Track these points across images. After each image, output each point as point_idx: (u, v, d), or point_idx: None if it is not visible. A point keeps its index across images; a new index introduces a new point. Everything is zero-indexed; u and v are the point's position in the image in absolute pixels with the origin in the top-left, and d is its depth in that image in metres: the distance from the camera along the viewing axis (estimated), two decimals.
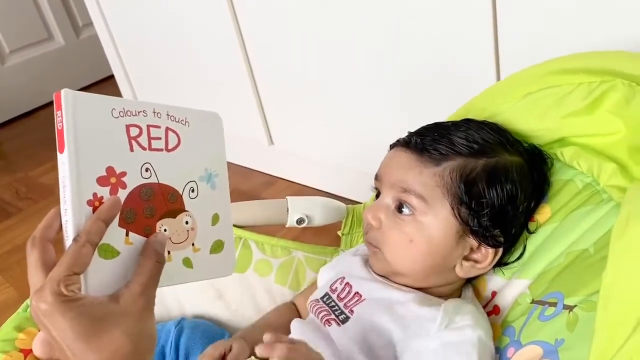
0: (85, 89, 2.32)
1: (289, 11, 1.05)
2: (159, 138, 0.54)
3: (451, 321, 0.55)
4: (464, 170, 0.58)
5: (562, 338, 0.49)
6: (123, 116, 0.52)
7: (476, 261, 0.60)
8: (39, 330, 0.70)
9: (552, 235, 0.59)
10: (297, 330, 0.63)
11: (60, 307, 0.42)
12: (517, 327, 0.56)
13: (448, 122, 0.66)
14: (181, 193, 0.54)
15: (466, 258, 0.60)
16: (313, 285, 0.75)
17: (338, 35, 1.00)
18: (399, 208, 0.60)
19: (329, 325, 0.59)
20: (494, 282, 0.63)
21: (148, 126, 0.53)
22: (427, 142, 0.60)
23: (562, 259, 0.56)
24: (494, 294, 0.63)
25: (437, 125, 0.64)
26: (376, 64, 0.97)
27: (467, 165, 0.58)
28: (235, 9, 1.15)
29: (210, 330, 0.73)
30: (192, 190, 0.55)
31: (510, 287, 0.61)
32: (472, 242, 0.59)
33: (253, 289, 0.76)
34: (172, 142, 0.55)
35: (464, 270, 0.60)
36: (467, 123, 0.63)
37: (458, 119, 0.66)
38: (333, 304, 0.62)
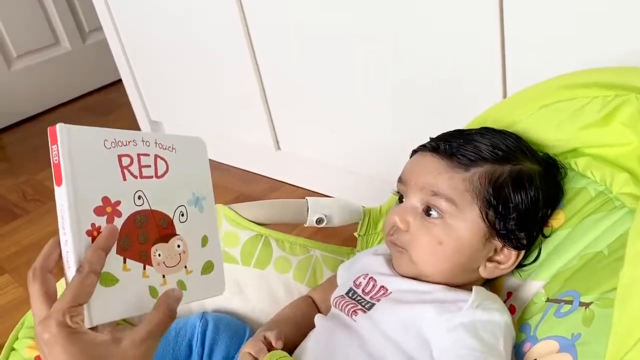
0: (90, 94, 2.35)
1: (297, 16, 1.08)
2: (149, 166, 0.57)
3: (482, 303, 0.58)
4: (493, 175, 0.61)
5: (578, 333, 0.52)
6: (115, 147, 0.55)
7: (499, 262, 0.63)
8: None
9: (567, 239, 0.62)
10: (323, 326, 0.65)
11: (64, 339, 0.44)
12: (533, 324, 0.59)
13: (469, 129, 0.69)
14: (172, 218, 0.57)
15: (490, 259, 0.63)
16: (329, 281, 0.78)
17: (346, 41, 1.03)
18: (427, 211, 0.62)
19: (356, 315, 0.62)
20: (510, 283, 0.66)
21: (138, 155, 0.56)
22: (454, 147, 0.63)
23: (576, 261, 0.59)
24: (509, 294, 0.66)
25: (460, 132, 0.67)
26: (383, 71, 1.00)
27: (495, 171, 0.62)
28: (245, 14, 1.18)
29: (233, 323, 0.75)
30: (182, 215, 0.58)
31: (526, 287, 0.64)
32: (497, 244, 0.62)
33: (272, 285, 0.79)
34: (161, 169, 0.58)
35: (487, 271, 0.63)
36: (488, 131, 0.67)
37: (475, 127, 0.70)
38: (359, 297, 0.65)
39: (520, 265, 0.65)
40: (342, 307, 0.64)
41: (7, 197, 1.68)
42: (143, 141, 0.57)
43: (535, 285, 0.63)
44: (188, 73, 1.46)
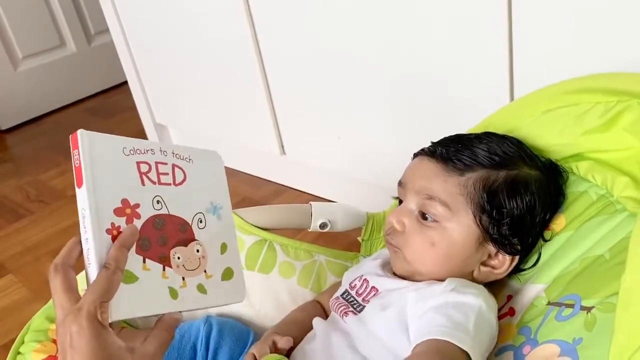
0: (95, 95, 2.36)
1: (305, 23, 1.08)
2: (167, 174, 0.59)
3: (456, 288, 0.59)
4: (487, 181, 0.62)
5: (580, 337, 0.53)
6: (133, 154, 0.57)
7: (493, 267, 0.64)
8: None
9: (567, 242, 0.63)
10: (318, 328, 0.67)
11: (91, 333, 0.46)
12: (534, 327, 0.59)
13: (470, 134, 0.70)
14: (190, 223, 0.59)
15: (484, 264, 0.64)
16: (336, 285, 0.78)
17: (352, 48, 1.03)
18: (423, 214, 0.64)
19: (346, 316, 0.63)
20: (510, 286, 0.67)
21: (156, 163, 0.59)
22: (451, 152, 0.64)
23: (577, 264, 0.60)
24: (509, 297, 0.66)
25: (459, 137, 0.69)
26: (389, 77, 1.01)
27: (490, 177, 0.62)
28: (254, 19, 1.18)
29: (237, 327, 0.75)
30: (200, 221, 0.60)
31: (526, 290, 0.64)
32: (491, 249, 0.63)
33: (276, 290, 0.79)
34: (179, 177, 0.60)
35: (482, 275, 0.64)
36: (489, 136, 0.68)
37: (478, 132, 0.71)
38: (352, 299, 0.66)
39: (519, 270, 0.65)
40: (335, 308, 0.66)
41: (11, 197, 1.69)
42: (161, 151, 0.60)
43: (535, 288, 0.63)
44: (194, 77, 1.46)
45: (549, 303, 0.59)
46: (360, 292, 0.66)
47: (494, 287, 0.68)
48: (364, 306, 0.64)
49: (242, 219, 0.79)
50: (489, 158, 0.63)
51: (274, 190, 1.46)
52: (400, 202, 0.68)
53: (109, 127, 2.05)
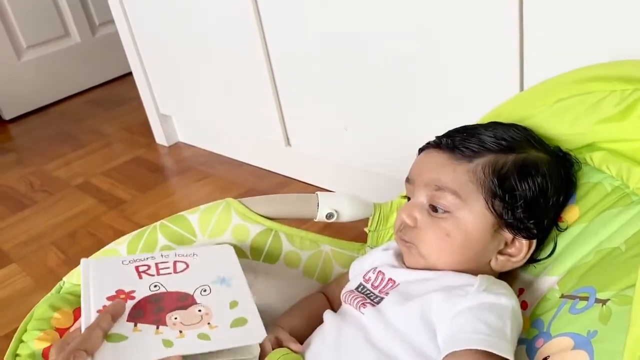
0: (99, 86, 2.35)
1: (311, 12, 1.07)
2: (167, 267, 0.63)
3: (488, 287, 0.58)
4: (496, 165, 0.61)
5: (595, 330, 0.51)
6: (132, 263, 0.63)
7: (511, 255, 0.63)
8: (73, 311, 0.71)
9: (581, 234, 0.61)
10: (330, 321, 0.65)
11: None
12: (546, 320, 0.58)
13: (475, 124, 0.69)
14: (192, 294, 0.60)
15: (501, 252, 0.63)
16: (342, 276, 0.77)
17: (359, 38, 1.02)
18: (434, 206, 0.62)
19: (364, 307, 0.61)
20: (522, 279, 0.66)
21: (156, 264, 0.63)
22: (457, 141, 0.63)
23: (592, 256, 0.58)
24: (521, 290, 0.65)
25: (464, 127, 0.68)
26: (396, 67, 0.99)
27: (499, 161, 0.61)
28: (259, 8, 1.17)
29: None
30: (204, 290, 0.61)
31: (539, 283, 0.63)
32: (507, 235, 0.62)
33: (282, 280, 0.78)
34: (180, 267, 0.63)
35: (499, 264, 0.63)
36: (494, 124, 0.67)
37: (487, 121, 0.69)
38: (368, 291, 0.64)
39: (534, 260, 0.64)
40: (350, 301, 0.64)
41: (15, 187, 1.69)
42: (162, 255, 0.64)
43: (548, 280, 0.62)
44: (199, 67, 1.45)
45: (562, 296, 0.58)
46: (376, 284, 0.65)
47: (507, 279, 0.66)
48: (382, 297, 0.62)
49: (247, 208, 0.77)
50: (497, 143, 0.62)
51: (278, 181, 1.45)
52: (408, 199, 0.67)
53: (112, 118, 2.05)
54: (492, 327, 0.54)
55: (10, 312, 1.15)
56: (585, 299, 0.55)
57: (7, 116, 2.15)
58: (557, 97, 0.66)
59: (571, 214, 0.64)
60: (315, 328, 0.66)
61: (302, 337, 0.66)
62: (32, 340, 0.69)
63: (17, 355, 0.67)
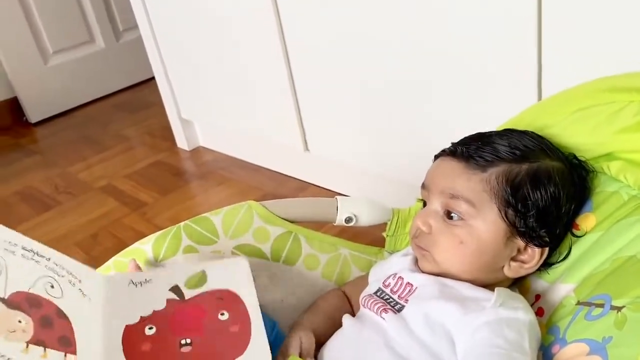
0: (122, 91, 2.40)
1: (332, 18, 1.09)
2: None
3: (505, 302, 0.59)
4: (510, 174, 0.62)
5: (610, 336, 0.52)
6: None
7: (523, 262, 0.64)
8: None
9: (597, 242, 0.62)
10: (349, 325, 0.66)
11: None
12: (562, 327, 0.59)
13: (490, 131, 0.70)
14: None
15: (514, 259, 0.64)
16: (361, 278, 0.78)
17: (378, 44, 1.03)
18: (449, 213, 0.63)
19: (386, 313, 0.62)
20: (538, 285, 0.66)
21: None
22: (472, 150, 0.64)
23: (608, 264, 0.59)
24: (537, 297, 0.66)
25: (479, 135, 0.69)
26: (415, 73, 1.01)
27: (512, 170, 0.62)
28: (280, 15, 1.19)
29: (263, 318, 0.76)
30: None
31: (555, 290, 0.64)
32: (520, 243, 0.63)
33: (301, 282, 0.79)
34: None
35: (512, 270, 0.64)
36: (509, 132, 0.68)
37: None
38: (387, 297, 0.66)
39: (548, 264, 0.65)
40: (370, 305, 0.65)
41: (40, 188, 1.73)
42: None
43: (564, 288, 0.63)
44: (220, 73, 1.48)
45: (578, 303, 0.59)
46: (395, 289, 0.66)
47: (522, 286, 0.67)
48: (403, 305, 0.63)
49: (268, 210, 0.79)
50: (510, 152, 0.63)
51: (297, 186, 1.46)
52: (424, 204, 0.68)
53: (135, 122, 2.08)
54: (511, 341, 0.55)
55: None
56: (601, 305, 0.55)
57: (34, 119, 2.20)
58: (576, 106, 0.67)
59: (587, 221, 0.65)
60: (336, 326, 0.68)
61: (324, 335, 0.68)
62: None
63: None
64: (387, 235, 0.83)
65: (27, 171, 1.85)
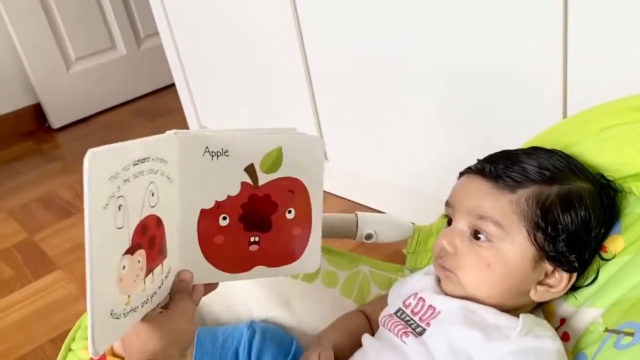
0: (144, 97, 2.42)
1: (352, 28, 1.08)
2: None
3: (531, 330, 0.57)
4: (540, 197, 0.60)
5: None
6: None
7: (550, 286, 0.62)
8: None
9: (627, 266, 0.60)
10: (370, 345, 0.65)
11: None
12: (590, 354, 0.57)
13: (517, 149, 0.68)
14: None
15: (541, 283, 0.62)
16: (381, 298, 0.77)
17: (399, 57, 1.02)
18: (476, 234, 0.62)
19: (407, 337, 0.61)
20: (563, 309, 0.65)
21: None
22: (500, 169, 0.62)
23: (638, 291, 0.57)
24: (562, 321, 0.64)
25: (506, 153, 0.67)
26: (437, 87, 0.99)
27: (543, 192, 0.60)
28: (301, 26, 1.19)
29: (280, 335, 0.75)
30: None
31: (581, 315, 0.62)
32: (547, 267, 0.61)
33: (319, 299, 0.79)
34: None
35: (538, 294, 0.62)
36: (537, 151, 0.65)
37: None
38: (408, 318, 0.64)
39: (575, 288, 0.63)
40: (390, 326, 0.64)
41: (62, 195, 1.74)
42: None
43: (591, 312, 0.61)
44: (241, 81, 1.48)
45: (606, 330, 0.57)
46: (416, 310, 0.64)
47: (546, 309, 0.66)
48: (425, 329, 0.62)
49: None
50: (540, 173, 0.61)
51: None
52: (449, 220, 0.66)
53: (156, 128, 2.08)
54: None
55: (55, 317, 1.18)
56: (631, 334, 0.54)
57: (56, 125, 2.23)
58: (603, 124, 0.65)
59: (616, 244, 0.63)
60: (356, 346, 0.67)
61: (342, 354, 0.67)
62: (80, 349, 0.71)
63: None
64: (408, 252, 0.82)
65: (49, 177, 1.87)
